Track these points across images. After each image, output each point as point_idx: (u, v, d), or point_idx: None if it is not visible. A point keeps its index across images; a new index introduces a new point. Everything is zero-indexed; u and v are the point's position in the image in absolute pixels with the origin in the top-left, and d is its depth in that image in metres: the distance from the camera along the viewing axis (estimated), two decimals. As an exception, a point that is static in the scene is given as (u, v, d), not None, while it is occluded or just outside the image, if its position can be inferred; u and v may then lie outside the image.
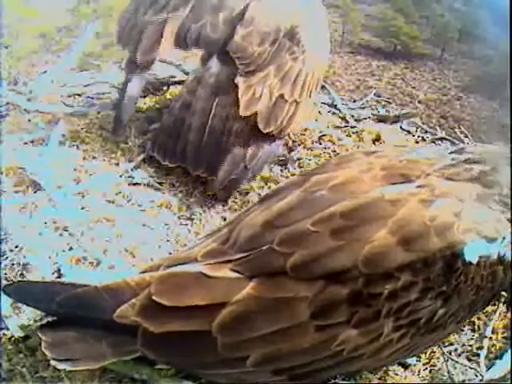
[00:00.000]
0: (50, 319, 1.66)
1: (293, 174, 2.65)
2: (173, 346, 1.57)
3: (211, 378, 1.66)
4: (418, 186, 1.67)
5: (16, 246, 2.08)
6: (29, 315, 1.84)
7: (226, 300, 1.54)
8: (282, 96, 2.51)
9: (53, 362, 1.56)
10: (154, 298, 1.56)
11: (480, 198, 1.69)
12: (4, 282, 1.92)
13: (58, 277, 2.00)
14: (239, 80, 2.48)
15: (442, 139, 3.21)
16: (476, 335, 2.04)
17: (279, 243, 1.58)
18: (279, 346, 1.54)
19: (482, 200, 1.69)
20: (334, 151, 2.86)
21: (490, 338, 2.02)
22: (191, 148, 2.46)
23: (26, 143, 2.65)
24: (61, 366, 1.57)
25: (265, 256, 1.59)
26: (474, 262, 1.59)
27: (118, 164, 2.58)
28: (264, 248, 1.60)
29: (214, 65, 2.54)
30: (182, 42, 2.57)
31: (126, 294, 1.59)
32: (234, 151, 2.46)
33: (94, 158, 2.61)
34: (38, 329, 1.63)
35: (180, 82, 3.08)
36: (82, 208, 2.32)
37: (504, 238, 1.64)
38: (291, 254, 1.55)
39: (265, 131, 2.48)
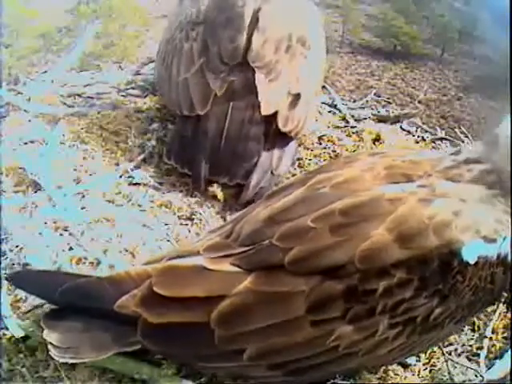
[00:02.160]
0: (52, 307, 1.67)
1: (293, 175, 2.66)
2: (171, 338, 1.59)
3: (209, 371, 1.68)
4: (419, 186, 1.68)
5: (16, 246, 2.08)
6: (28, 314, 1.84)
7: (224, 293, 1.56)
8: (298, 95, 2.54)
9: (55, 356, 1.57)
10: (154, 288, 1.58)
11: (483, 199, 1.69)
12: (4, 283, 1.93)
13: (58, 277, 2.01)
14: (258, 82, 2.50)
15: (442, 139, 3.21)
16: (476, 335, 2.04)
17: (279, 238, 1.60)
18: (275, 340, 1.55)
19: (485, 201, 1.68)
20: (334, 151, 2.86)
21: (490, 338, 2.02)
22: (209, 155, 2.45)
23: (26, 143, 2.65)
24: (63, 359, 1.57)
25: (265, 250, 1.61)
26: (472, 262, 1.59)
27: (118, 164, 2.58)
28: (264, 243, 1.62)
29: (235, 72, 2.54)
30: (220, 64, 2.56)
31: (128, 285, 1.62)
32: (261, 159, 2.47)
33: (93, 158, 2.61)
34: (42, 318, 1.64)
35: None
36: (82, 208, 2.32)
37: (504, 239, 1.64)
38: (290, 249, 1.57)
39: (284, 129, 2.50)
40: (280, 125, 2.49)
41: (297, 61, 2.60)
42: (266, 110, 2.47)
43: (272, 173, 2.49)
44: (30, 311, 1.85)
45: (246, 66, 2.55)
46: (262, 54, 2.55)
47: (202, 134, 2.48)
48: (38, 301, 1.82)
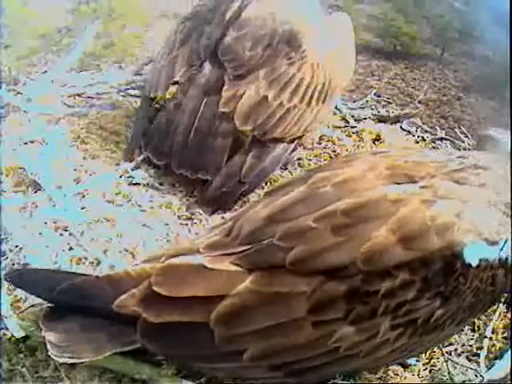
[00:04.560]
0: (51, 306, 1.67)
1: (293, 175, 2.65)
2: (171, 338, 1.58)
3: (210, 372, 1.67)
4: (422, 187, 1.67)
5: (16, 246, 2.08)
6: (28, 314, 1.84)
7: (224, 293, 1.55)
8: (266, 97, 2.49)
9: (54, 356, 1.57)
10: (154, 288, 1.58)
11: (487, 201, 1.68)
12: (4, 283, 1.93)
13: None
14: (226, 79, 2.49)
15: (441, 139, 3.21)
16: (476, 335, 2.04)
17: (280, 238, 1.60)
18: (276, 341, 1.55)
19: (489, 204, 1.68)
20: (334, 151, 2.86)
21: (490, 338, 2.02)
22: (177, 147, 2.46)
23: (26, 143, 2.65)
24: (62, 359, 1.57)
25: (265, 250, 1.60)
26: (474, 264, 1.59)
27: (118, 164, 2.58)
28: (265, 242, 1.61)
29: (207, 66, 2.55)
30: (195, 58, 2.59)
31: (127, 284, 1.62)
32: (229, 163, 2.46)
33: (93, 157, 2.61)
34: (41, 319, 1.65)
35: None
36: (82, 208, 2.32)
37: (506, 242, 1.64)
38: (291, 249, 1.56)
39: (240, 128, 2.45)
40: (237, 123, 2.45)
41: (277, 61, 2.53)
42: (223, 107, 2.46)
43: (240, 180, 2.45)
44: (30, 307, 1.85)
45: (218, 61, 2.54)
46: (234, 48, 2.54)
47: (173, 127, 2.49)
48: (37, 299, 1.82)
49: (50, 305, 1.69)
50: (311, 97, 2.59)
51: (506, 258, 1.65)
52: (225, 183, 2.44)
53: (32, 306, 1.84)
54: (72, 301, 1.62)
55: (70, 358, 1.58)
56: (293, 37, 2.58)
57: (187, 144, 2.45)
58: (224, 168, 2.45)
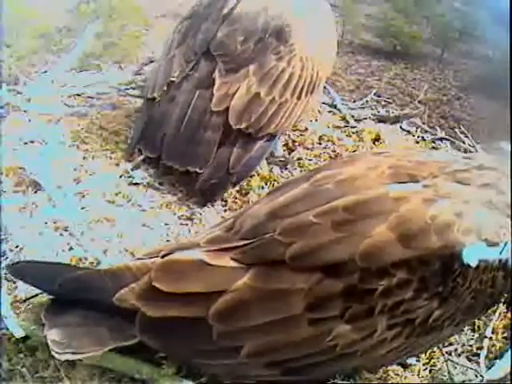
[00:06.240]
0: (52, 301, 1.68)
1: (293, 175, 2.65)
2: (170, 333, 1.59)
3: (206, 368, 1.67)
4: (424, 186, 1.67)
5: (16, 246, 2.08)
6: (28, 314, 1.84)
7: (223, 288, 1.56)
8: (258, 94, 2.50)
9: (56, 354, 1.57)
10: (153, 283, 1.59)
11: (491, 203, 1.68)
12: (4, 282, 1.93)
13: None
14: (216, 75, 2.50)
15: (441, 139, 3.21)
16: (476, 335, 2.04)
17: (281, 233, 1.60)
18: (273, 338, 1.55)
19: (493, 205, 1.67)
20: (334, 151, 2.86)
21: (490, 338, 2.02)
22: (168, 139, 2.47)
23: (26, 143, 2.65)
24: (63, 356, 1.57)
25: (266, 245, 1.60)
26: (473, 265, 1.58)
27: (118, 164, 2.58)
28: (266, 237, 1.61)
29: (201, 61, 2.57)
30: (191, 55, 2.60)
31: (127, 278, 1.63)
32: (217, 154, 2.46)
33: (94, 157, 2.62)
34: (42, 313, 1.65)
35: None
36: (82, 208, 2.32)
37: (506, 244, 1.63)
38: (291, 244, 1.56)
39: (235, 127, 2.46)
40: (231, 122, 2.46)
41: (266, 56, 2.55)
42: (216, 106, 2.47)
43: (228, 171, 2.45)
44: (31, 297, 1.84)
45: (211, 56, 2.57)
46: (226, 43, 2.55)
47: (165, 120, 2.50)
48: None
49: (50, 297, 1.70)
50: (301, 90, 2.61)
51: (507, 260, 1.64)
52: (213, 175, 2.44)
53: (32, 296, 1.84)
54: (73, 293, 1.63)
55: (71, 353, 1.58)
56: (281, 31, 2.59)
57: (178, 136, 2.46)
58: (212, 160, 2.45)
